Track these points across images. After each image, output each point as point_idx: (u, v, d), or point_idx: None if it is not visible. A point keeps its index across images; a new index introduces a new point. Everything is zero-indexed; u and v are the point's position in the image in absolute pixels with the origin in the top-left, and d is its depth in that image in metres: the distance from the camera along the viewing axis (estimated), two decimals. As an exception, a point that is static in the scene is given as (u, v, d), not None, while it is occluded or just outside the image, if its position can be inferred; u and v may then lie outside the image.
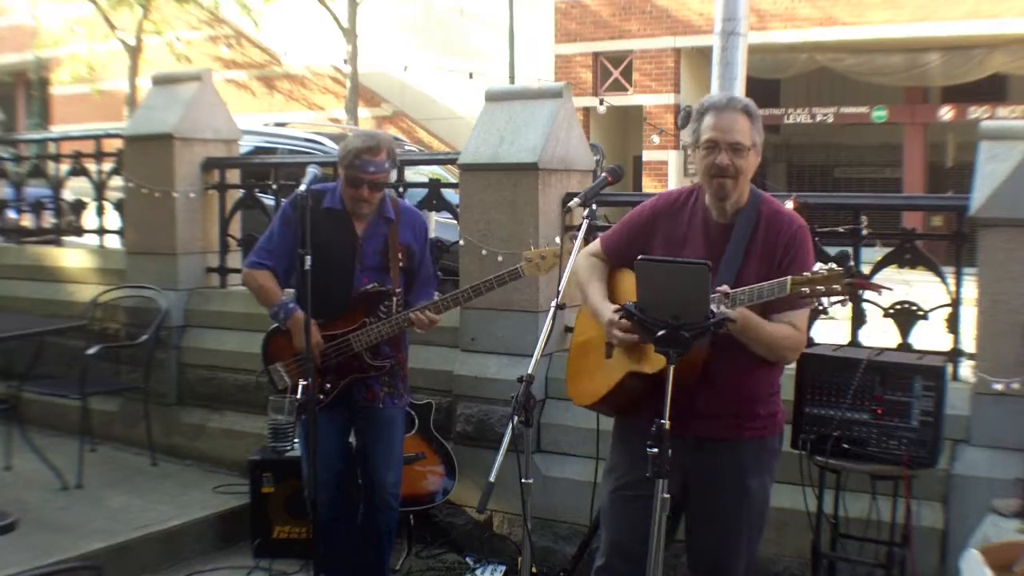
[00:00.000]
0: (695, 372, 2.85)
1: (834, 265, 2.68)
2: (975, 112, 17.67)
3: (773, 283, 2.73)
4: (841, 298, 2.67)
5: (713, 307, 2.68)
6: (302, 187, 3.66)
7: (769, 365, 2.99)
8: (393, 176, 4.82)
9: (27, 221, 7.85)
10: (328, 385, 3.90)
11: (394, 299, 3.96)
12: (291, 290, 4.01)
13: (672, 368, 2.64)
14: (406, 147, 12.29)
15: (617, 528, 3.11)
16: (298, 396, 3.78)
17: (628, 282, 3.13)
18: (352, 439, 4.14)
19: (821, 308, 2.83)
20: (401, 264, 3.99)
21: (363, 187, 3.85)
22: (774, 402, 3.10)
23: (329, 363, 3.88)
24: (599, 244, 3.23)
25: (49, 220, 7.58)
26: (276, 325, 4.02)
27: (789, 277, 2.71)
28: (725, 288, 2.74)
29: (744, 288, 2.78)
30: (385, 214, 3.98)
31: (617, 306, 3.00)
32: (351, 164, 3.83)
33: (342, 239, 3.92)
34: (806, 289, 2.67)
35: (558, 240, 3.77)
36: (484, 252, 4.78)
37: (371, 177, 3.84)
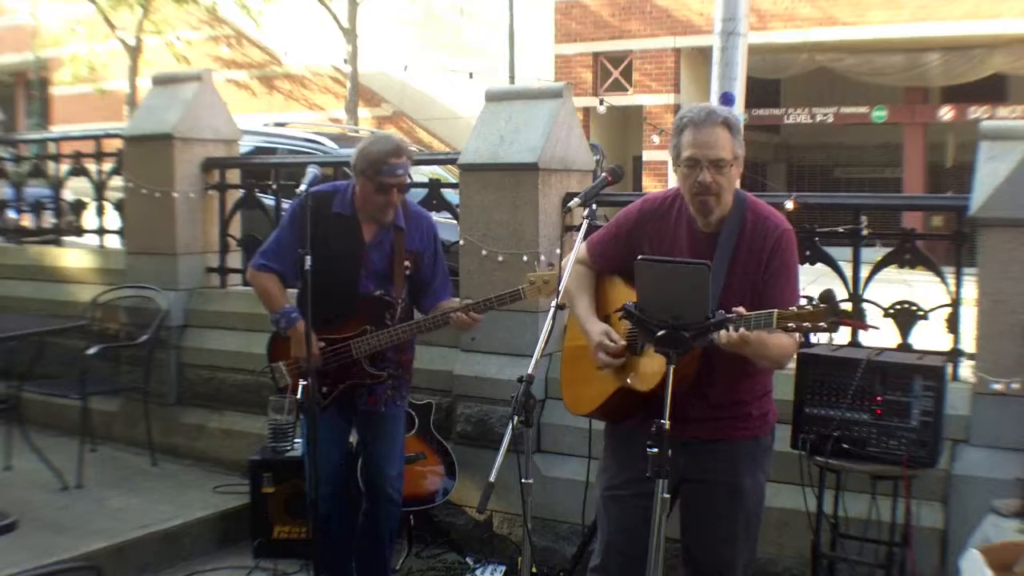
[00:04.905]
0: (687, 381, 2.85)
1: (820, 303, 2.69)
2: (975, 112, 17.67)
3: (760, 314, 2.72)
4: (827, 333, 2.69)
5: (731, 328, 2.67)
6: (302, 187, 3.65)
7: (760, 369, 2.98)
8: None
9: (27, 221, 7.86)
10: (325, 389, 3.88)
11: (398, 309, 3.95)
12: (292, 289, 4.00)
13: (671, 368, 2.64)
14: (406, 147, 12.24)
15: (610, 528, 3.12)
16: (298, 396, 3.78)
17: (615, 291, 3.14)
18: (352, 439, 4.14)
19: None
20: (408, 271, 3.98)
21: (392, 191, 3.83)
22: (766, 402, 3.10)
23: (329, 367, 3.88)
24: (585, 249, 3.22)
25: (49, 220, 7.59)
26: None
27: (776, 311, 2.70)
28: (741, 310, 2.72)
29: (731, 317, 2.75)
30: (395, 222, 3.95)
31: (604, 326, 3.02)
32: (378, 171, 3.79)
33: (349, 245, 3.90)
34: (792, 324, 2.68)
35: (552, 265, 3.77)
36: (484, 252, 4.78)
37: (399, 180, 3.82)
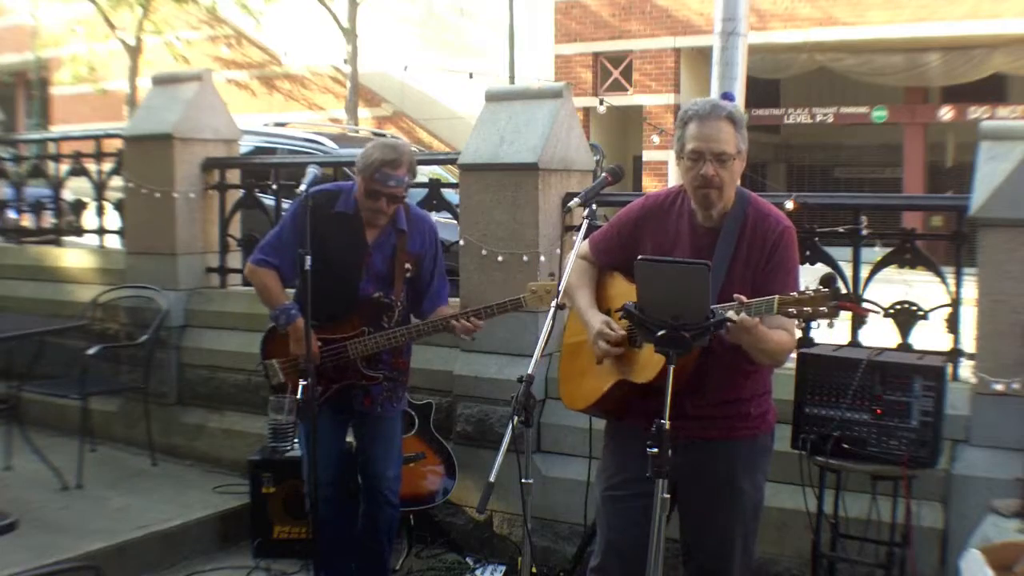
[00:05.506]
0: (684, 376, 2.85)
1: (821, 287, 2.69)
2: (975, 112, 17.67)
3: (760, 301, 2.73)
4: (827, 320, 2.69)
5: (732, 313, 2.69)
6: (302, 187, 3.64)
7: (759, 367, 2.99)
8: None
9: (27, 221, 7.86)
10: (319, 387, 3.85)
11: (396, 311, 3.95)
12: (290, 290, 4.00)
13: (672, 369, 2.64)
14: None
15: (610, 528, 3.11)
16: (298, 396, 3.77)
17: (616, 286, 3.15)
18: (350, 439, 4.14)
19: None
20: (409, 274, 3.97)
21: (381, 199, 3.80)
22: (765, 401, 3.10)
23: (324, 367, 3.86)
24: (588, 245, 3.23)
25: (49, 220, 7.59)
26: None
27: (776, 297, 2.72)
28: (741, 297, 2.74)
29: (732, 304, 2.76)
30: (398, 224, 3.94)
31: (605, 316, 3.02)
32: (371, 176, 3.77)
33: (351, 245, 3.89)
34: (792, 309, 2.69)
35: (553, 275, 3.79)
36: (484, 252, 4.78)
37: (390, 191, 3.79)
